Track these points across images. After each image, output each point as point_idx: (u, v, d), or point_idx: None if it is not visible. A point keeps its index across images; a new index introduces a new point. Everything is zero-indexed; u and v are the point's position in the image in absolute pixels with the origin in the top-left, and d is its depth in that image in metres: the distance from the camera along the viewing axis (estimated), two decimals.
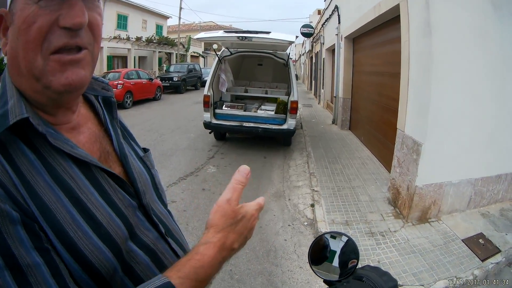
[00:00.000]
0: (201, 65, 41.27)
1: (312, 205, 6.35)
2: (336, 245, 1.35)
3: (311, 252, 1.35)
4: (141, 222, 1.07)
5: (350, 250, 1.32)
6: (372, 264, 1.28)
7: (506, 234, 5.05)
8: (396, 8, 6.42)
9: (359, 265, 1.26)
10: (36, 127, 0.85)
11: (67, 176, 0.89)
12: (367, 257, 4.60)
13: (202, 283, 0.82)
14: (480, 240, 4.90)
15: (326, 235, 1.37)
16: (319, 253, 1.34)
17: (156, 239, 1.10)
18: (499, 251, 4.66)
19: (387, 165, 7.58)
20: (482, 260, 4.48)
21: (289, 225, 5.73)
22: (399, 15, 6.31)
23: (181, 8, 41.42)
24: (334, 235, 1.36)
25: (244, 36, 8.64)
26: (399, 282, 4.06)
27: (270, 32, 8.80)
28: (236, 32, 9.69)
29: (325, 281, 1.29)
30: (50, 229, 0.81)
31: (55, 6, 0.82)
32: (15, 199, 0.78)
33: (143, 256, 1.03)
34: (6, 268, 0.71)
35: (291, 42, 8.81)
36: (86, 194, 0.91)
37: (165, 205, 1.29)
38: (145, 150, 1.36)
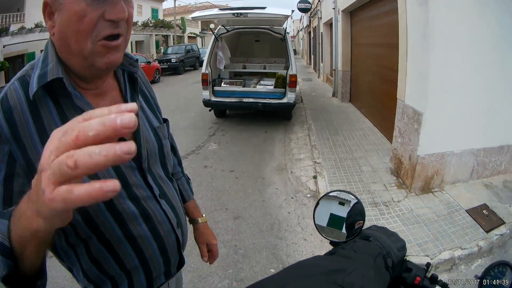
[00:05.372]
0: (199, 45, 41.00)
1: (315, 177, 6.36)
2: (344, 212, 1.35)
3: (316, 213, 1.38)
4: (138, 182, 1.31)
5: (357, 212, 1.32)
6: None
7: (510, 206, 5.02)
8: None
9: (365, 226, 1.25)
10: (67, 86, 1.12)
11: None
12: None
13: (21, 238, 0.79)
14: (484, 211, 4.89)
15: (333, 198, 1.39)
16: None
17: (148, 198, 1.34)
18: (503, 222, 4.64)
19: (389, 135, 7.55)
20: (487, 232, 4.46)
21: (292, 198, 5.74)
22: None
23: None
24: (343, 201, 1.36)
25: (239, 13, 8.55)
26: None
27: (266, 7, 8.72)
28: (231, 9, 9.60)
29: (332, 243, 1.31)
30: None
31: (100, 4, 1.04)
32: (20, 142, 1.08)
33: (133, 208, 1.28)
34: None
35: (287, 16, 8.75)
36: None
37: (167, 173, 1.55)
38: (164, 120, 1.62)
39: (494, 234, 4.42)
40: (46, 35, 22.10)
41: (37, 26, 21.48)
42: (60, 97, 1.14)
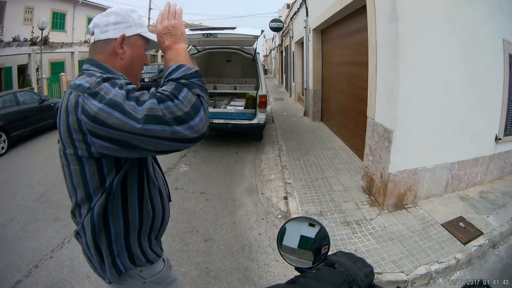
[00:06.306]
0: None
1: (285, 198, 6.31)
2: (312, 233, 1.38)
3: (285, 236, 1.42)
4: (157, 168, 2.00)
5: (322, 237, 1.34)
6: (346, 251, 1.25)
7: (488, 216, 5.08)
8: None
9: (332, 252, 1.25)
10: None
11: None
12: (344, 247, 4.56)
13: (178, 56, 1.64)
14: (461, 224, 4.91)
15: (298, 221, 1.44)
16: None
17: (161, 178, 2.02)
18: (481, 233, 4.67)
19: (360, 153, 7.58)
20: (464, 244, 4.47)
21: (263, 219, 5.67)
22: (365, 5, 6.27)
23: (150, 8, 41.09)
24: (313, 223, 1.40)
25: (209, 33, 8.52)
26: (378, 270, 4.03)
27: (236, 27, 8.72)
28: (201, 29, 9.59)
29: (297, 269, 1.32)
30: None
31: (144, 54, 1.85)
32: None
33: (159, 171, 2.01)
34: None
35: (256, 36, 8.77)
36: None
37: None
38: None
39: (472, 245, 4.44)
40: (24, 50, 21.62)
41: (14, 40, 20.83)
42: None
